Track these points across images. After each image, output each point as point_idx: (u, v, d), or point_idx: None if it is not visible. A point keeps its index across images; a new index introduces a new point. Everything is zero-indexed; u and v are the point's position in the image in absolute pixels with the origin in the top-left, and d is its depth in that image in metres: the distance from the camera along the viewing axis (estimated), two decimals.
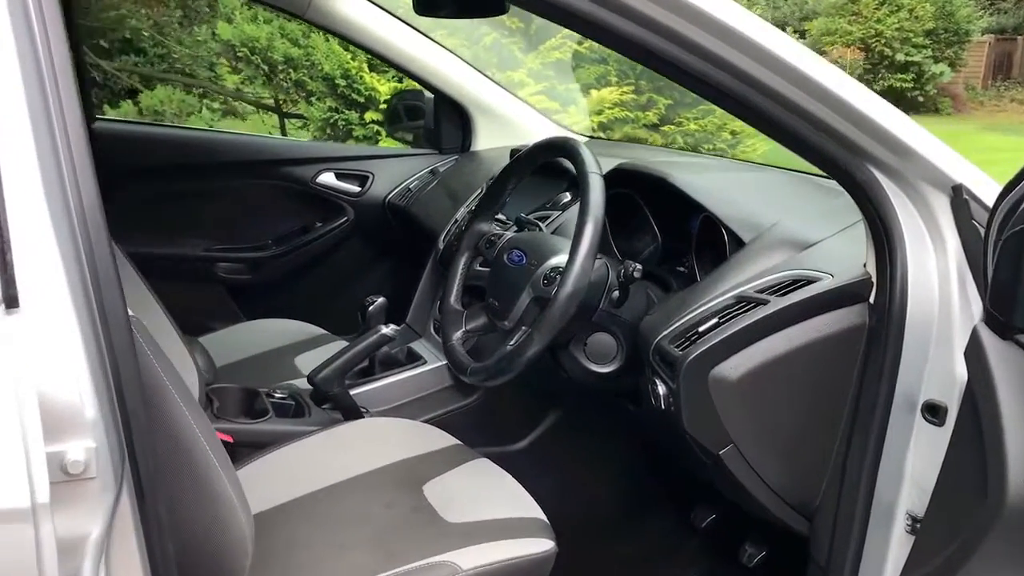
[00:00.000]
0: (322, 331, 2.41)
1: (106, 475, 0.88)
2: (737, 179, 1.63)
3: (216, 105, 6.33)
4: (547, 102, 4.98)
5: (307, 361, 2.24)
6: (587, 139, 2.80)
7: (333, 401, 1.83)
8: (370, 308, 1.85)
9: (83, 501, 0.87)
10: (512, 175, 1.68)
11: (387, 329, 1.81)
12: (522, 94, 5.17)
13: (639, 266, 1.46)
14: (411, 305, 2.17)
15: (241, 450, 1.74)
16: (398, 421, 1.82)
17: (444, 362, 1.98)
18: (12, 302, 0.84)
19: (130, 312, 1.07)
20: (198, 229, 2.62)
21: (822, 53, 13.28)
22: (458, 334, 1.64)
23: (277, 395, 1.91)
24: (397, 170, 2.72)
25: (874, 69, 13.81)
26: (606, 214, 1.80)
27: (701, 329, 1.37)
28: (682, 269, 1.69)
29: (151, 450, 0.95)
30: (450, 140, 2.76)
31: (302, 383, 2.07)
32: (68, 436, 0.86)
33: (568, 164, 1.58)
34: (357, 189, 2.70)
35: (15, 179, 0.84)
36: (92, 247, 0.88)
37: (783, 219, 1.48)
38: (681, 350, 1.36)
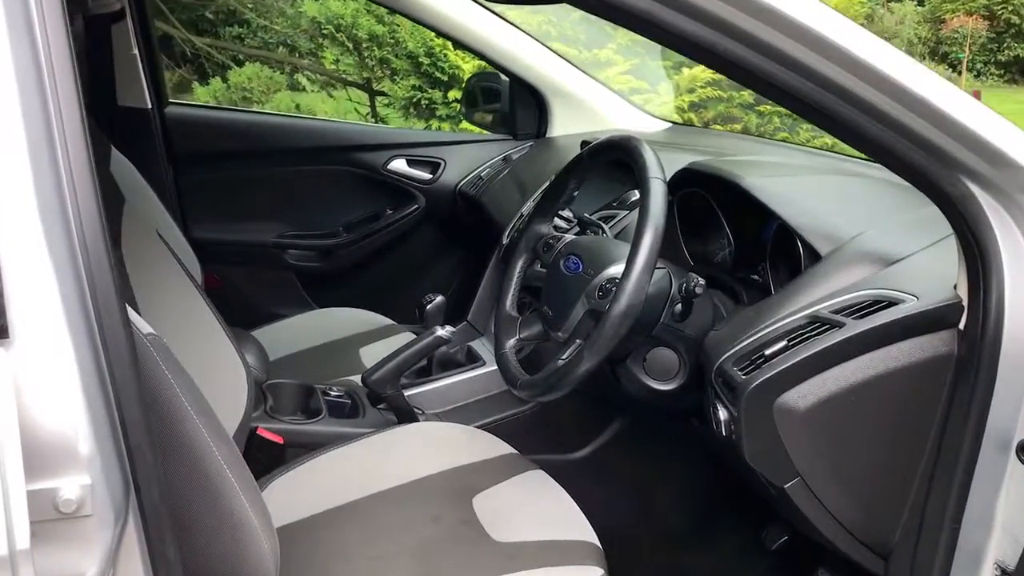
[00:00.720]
0: (389, 321, 2.37)
1: (104, 512, 0.84)
2: (817, 183, 1.49)
3: (315, 77, 6.35)
4: (635, 81, 4.80)
5: (371, 353, 2.21)
6: (671, 125, 2.67)
7: (387, 402, 1.78)
8: (428, 307, 1.79)
9: (77, 539, 0.83)
10: (573, 175, 1.58)
11: (443, 331, 1.74)
12: (610, 73, 5.02)
13: (702, 281, 1.34)
14: (473, 302, 2.09)
15: (292, 451, 1.71)
16: (452, 426, 1.76)
17: None
18: (2, 332, 0.79)
19: (148, 329, 1.03)
20: (269, 215, 2.61)
21: (941, 22, 12.56)
22: (511, 342, 1.56)
23: (333, 393, 1.87)
24: (470, 157, 2.65)
25: (999, 38, 12.96)
26: (678, 215, 1.70)
27: (768, 352, 1.25)
28: (756, 278, 1.56)
29: (159, 480, 0.90)
30: (525, 125, 2.67)
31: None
32: (61, 472, 0.81)
33: None
34: (428, 176, 2.64)
35: (5, 193, 0.79)
36: (92, 268, 0.82)
37: (866, 231, 1.34)
38: (744, 374, 1.25)
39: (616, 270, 1.39)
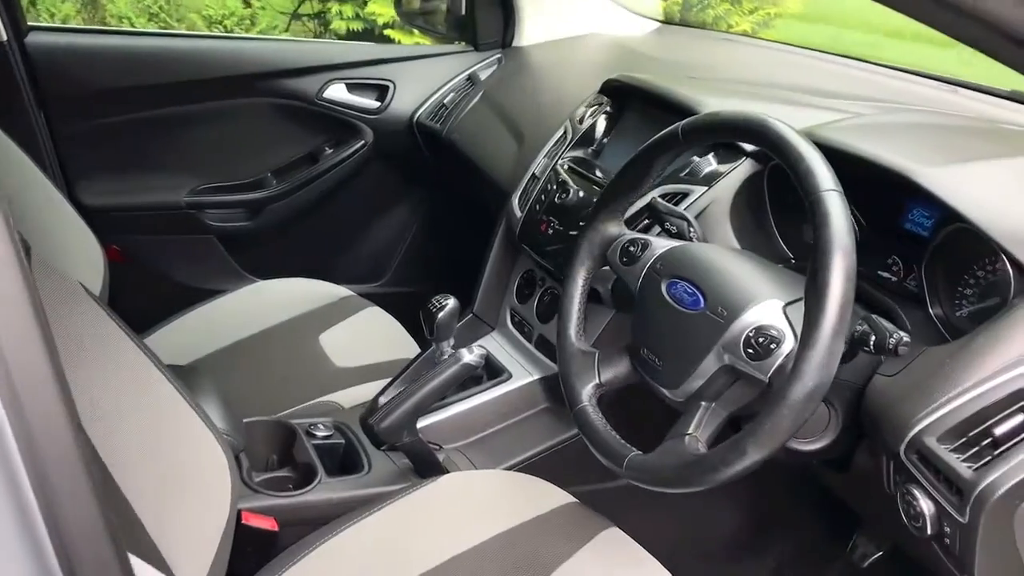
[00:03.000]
0: (346, 291, 1.93)
1: None
2: (1013, 166, 1.12)
3: None
4: None
5: (335, 340, 1.78)
6: (658, 26, 2.23)
7: (401, 450, 1.38)
8: (439, 316, 1.35)
9: None
10: (659, 160, 1.16)
11: (471, 356, 1.33)
12: None
13: (906, 337, 0.97)
14: (477, 289, 1.66)
15: (289, 529, 1.30)
16: (494, 474, 1.40)
17: (536, 376, 1.51)
18: None
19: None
20: (177, 167, 2.06)
21: None
22: (589, 389, 1.17)
23: (320, 434, 1.45)
24: (424, 77, 2.15)
25: None
26: (767, 190, 1.32)
27: (998, 432, 0.91)
28: (886, 276, 1.21)
29: None
30: (488, 32, 2.18)
31: (343, 397, 1.62)
32: None
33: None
34: (375, 104, 2.13)
35: None
36: None
37: None
38: (970, 467, 0.91)
39: (761, 314, 1.01)
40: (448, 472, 1.39)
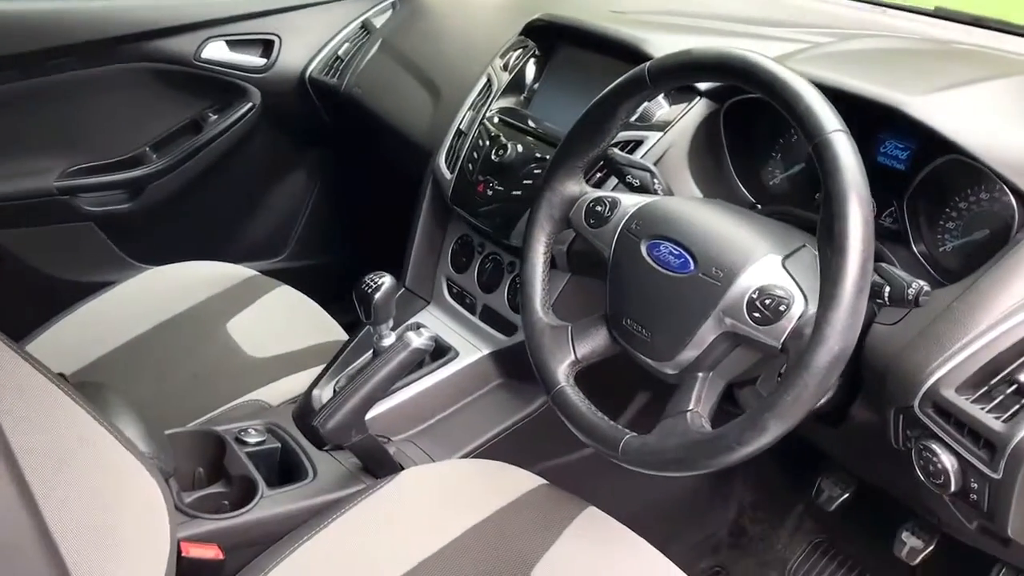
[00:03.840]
0: (248, 271, 1.75)
1: None
2: (994, 91, 1.05)
3: None
4: None
5: (246, 327, 1.62)
6: None
7: (349, 449, 1.24)
8: (376, 296, 1.20)
9: None
10: (622, 103, 1.03)
11: (420, 340, 1.19)
12: None
13: (926, 285, 0.89)
14: (407, 259, 1.51)
15: (235, 553, 1.15)
16: (454, 464, 1.28)
17: (485, 352, 1.39)
18: None
19: None
20: (42, 149, 1.82)
21: None
22: (565, 368, 1.06)
23: (252, 439, 1.28)
24: (312, 27, 1.97)
25: None
26: (724, 130, 1.23)
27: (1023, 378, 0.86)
28: None
29: None
30: None
31: (268, 393, 1.46)
32: None
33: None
34: (261, 61, 1.93)
35: None
36: None
37: None
38: (999, 418, 0.85)
39: (764, 273, 0.91)
40: (403, 467, 1.27)
